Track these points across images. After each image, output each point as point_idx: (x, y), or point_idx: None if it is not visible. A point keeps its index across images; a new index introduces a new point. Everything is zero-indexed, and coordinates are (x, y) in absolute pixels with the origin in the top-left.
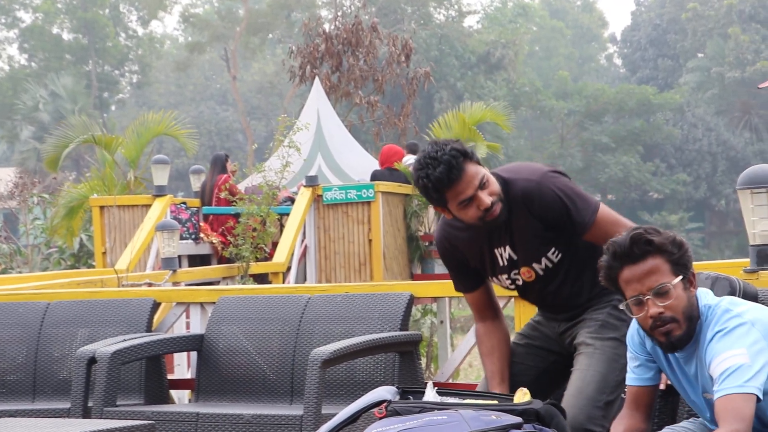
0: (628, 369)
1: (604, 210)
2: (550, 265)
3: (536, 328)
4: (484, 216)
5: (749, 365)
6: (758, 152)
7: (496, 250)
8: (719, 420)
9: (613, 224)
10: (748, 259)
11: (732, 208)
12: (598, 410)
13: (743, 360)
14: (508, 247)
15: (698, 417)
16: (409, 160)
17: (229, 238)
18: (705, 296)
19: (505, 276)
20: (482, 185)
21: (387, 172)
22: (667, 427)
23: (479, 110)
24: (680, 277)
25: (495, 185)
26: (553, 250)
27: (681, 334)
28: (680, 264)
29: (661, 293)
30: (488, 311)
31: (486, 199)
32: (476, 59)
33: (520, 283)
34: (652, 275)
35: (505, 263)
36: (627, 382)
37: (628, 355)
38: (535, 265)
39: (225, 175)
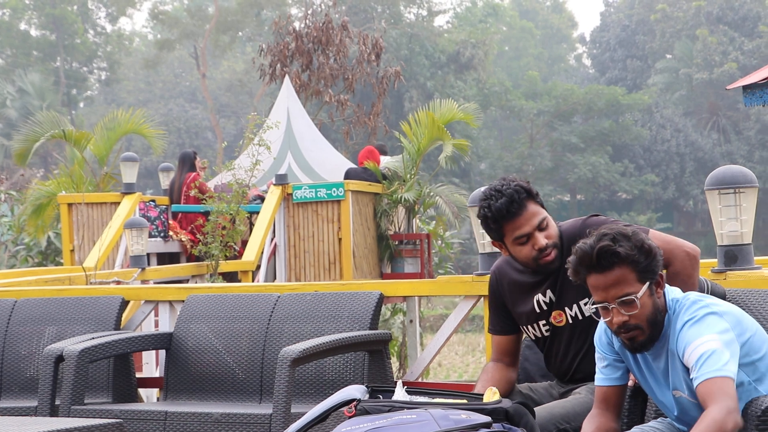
0: (596, 369)
1: (654, 235)
2: (579, 316)
3: (536, 391)
4: (539, 257)
5: (722, 350)
6: (726, 153)
7: (536, 296)
8: (707, 402)
9: (666, 244)
10: (716, 260)
11: (700, 209)
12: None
13: (716, 345)
14: (549, 291)
15: (666, 417)
16: (383, 160)
17: (198, 236)
18: (672, 291)
19: (543, 322)
20: (541, 226)
21: (361, 170)
22: (635, 426)
23: (449, 109)
24: (646, 285)
25: (554, 230)
26: (586, 300)
27: (644, 340)
28: (648, 271)
29: (626, 303)
30: (507, 357)
31: (542, 240)
32: (446, 59)
33: (548, 330)
34: (617, 285)
35: (543, 308)
36: (596, 383)
37: (596, 355)
38: (567, 309)
39: (194, 173)
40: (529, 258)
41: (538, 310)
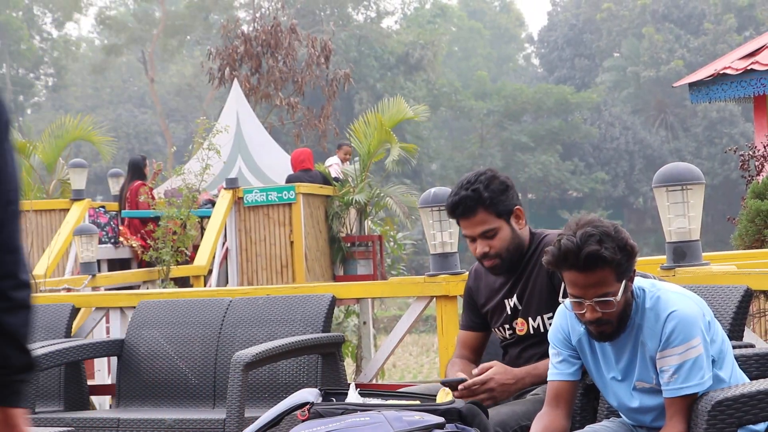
0: (550, 365)
1: None
2: (541, 329)
3: None
4: (481, 260)
5: (703, 357)
6: (674, 150)
7: (505, 300)
8: (671, 417)
9: None
10: (665, 256)
11: (650, 206)
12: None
13: (699, 351)
14: (515, 297)
15: (618, 416)
16: (329, 161)
17: (149, 241)
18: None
19: (507, 326)
20: (486, 235)
21: (301, 174)
22: (588, 426)
23: (399, 108)
24: (623, 283)
25: (503, 242)
26: (551, 315)
27: (612, 331)
28: (626, 270)
29: (603, 303)
30: (471, 354)
31: (480, 248)
32: (395, 60)
33: (511, 336)
34: (597, 285)
35: (508, 313)
36: (549, 378)
37: (551, 350)
38: (530, 320)
39: (139, 182)
40: (476, 256)
41: (504, 314)
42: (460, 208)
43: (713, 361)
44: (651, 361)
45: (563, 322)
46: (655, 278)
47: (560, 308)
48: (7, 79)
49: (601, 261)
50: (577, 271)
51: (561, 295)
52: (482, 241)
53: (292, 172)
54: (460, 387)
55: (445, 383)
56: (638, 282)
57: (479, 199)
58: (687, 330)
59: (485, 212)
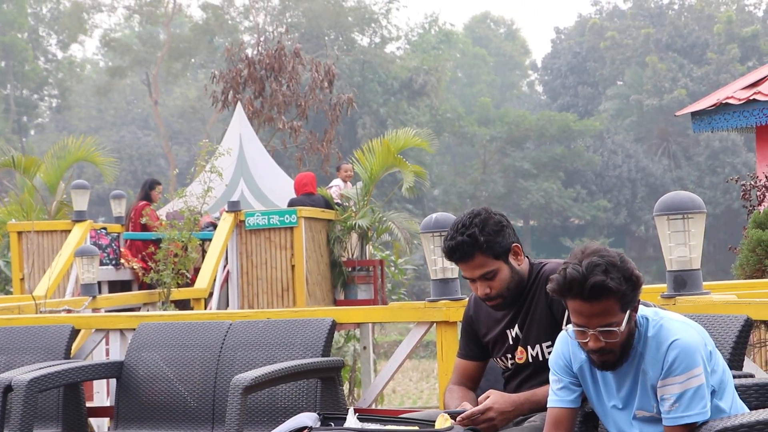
0: (550, 391)
1: None
2: (540, 358)
3: None
4: (483, 300)
5: (704, 387)
6: (676, 179)
7: (507, 330)
8: None
9: None
10: (665, 285)
11: (652, 234)
12: None
13: (701, 380)
14: (517, 327)
15: None
16: (333, 184)
17: (150, 263)
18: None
19: (509, 356)
20: (486, 276)
21: (303, 198)
22: None
23: (404, 136)
24: (627, 313)
25: (503, 282)
26: (549, 344)
27: (614, 360)
28: (631, 301)
29: (607, 333)
30: (469, 383)
31: (482, 289)
32: (399, 85)
33: (512, 365)
34: (601, 315)
35: (510, 343)
36: (549, 404)
37: (552, 377)
38: (529, 348)
39: (143, 202)
40: (478, 295)
41: (506, 344)
42: (457, 253)
43: (713, 392)
44: (652, 389)
45: (564, 348)
46: (656, 306)
47: (561, 335)
48: (11, 99)
49: (607, 291)
50: (582, 300)
51: (564, 322)
52: (482, 282)
53: (294, 196)
54: (459, 417)
55: (448, 414)
56: (641, 310)
57: (475, 244)
58: (689, 359)
59: (483, 256)
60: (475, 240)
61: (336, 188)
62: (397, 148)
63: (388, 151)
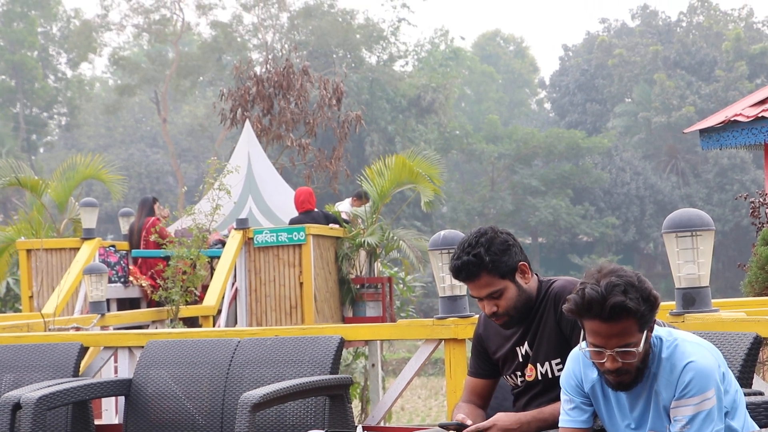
0: (561, 411)
1: None
2: (549, 375)
3: None
4: (491, 318)
5: (716, 409)
6: (685, 196)
7: (516, 347)
8: None
9: None
10: (674, 302)
11: (660, 251)
12: None
13: (713, 403)
14: (527, 344)
15: None
16: (340, 205)
17: (158, 281)
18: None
19: (519, 373)
20: (493, 296)
21: (303, 217)
22: None
23: (412, 159)
24: (644, 333)
25: (510, 301)
26: (558, 361)
27: (630, 381)
28: (648, 320)
29: (625, 353)
30: (479, 401)
31: (488, 308)
32: (407, 103)
33: (522, 382)
34: (619, 336)
35: (520, 360)
36: (561, 424)
37: (563, 397)
38: (539, 365)
39: (153, 218)
40: (486, 312)
41: (515, 362)
42: (464, 273)
43: (726, 412)
44: (665, 410)
45: (576, 367)
46: (669, 326)
47: (573, 353)
48: (21, 117)
49: (626, 312)
50: (600, 320)
51: (582, 339)
52: (489, 301)
53: (296, 211)
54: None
55: (443, 426)
56: (654, 330)
57: (481, 264)
58: (703, 381)
59: (489, 275)
60: (481, 260)
61: (344, 214)
62: (412, 165)
63: (403, 167)
